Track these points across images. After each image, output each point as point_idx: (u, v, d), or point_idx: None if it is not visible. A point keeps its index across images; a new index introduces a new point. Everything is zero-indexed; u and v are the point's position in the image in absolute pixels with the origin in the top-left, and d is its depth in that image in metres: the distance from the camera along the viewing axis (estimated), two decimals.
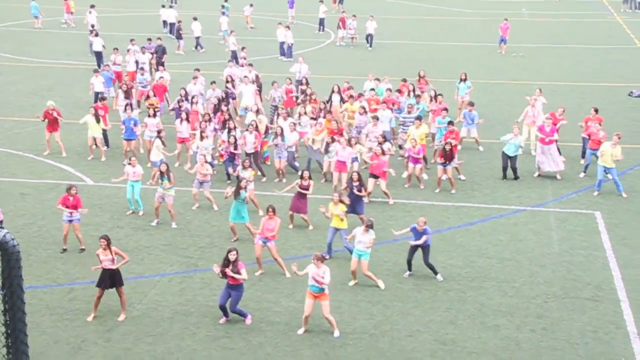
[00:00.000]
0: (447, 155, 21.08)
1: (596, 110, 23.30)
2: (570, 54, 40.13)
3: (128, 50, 32.52)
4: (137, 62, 31.65)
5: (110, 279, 14.81)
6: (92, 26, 40.37)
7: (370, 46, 41.22)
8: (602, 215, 19.81)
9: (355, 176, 18.93)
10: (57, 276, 16.79)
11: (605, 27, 48.16)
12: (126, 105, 25.03)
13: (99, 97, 26.87)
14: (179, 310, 15.30)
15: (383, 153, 20.63)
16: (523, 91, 30.93)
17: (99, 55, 35.85)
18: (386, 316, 15.10)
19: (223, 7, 45.76)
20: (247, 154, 21.81)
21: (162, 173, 19.07)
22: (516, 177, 22.23)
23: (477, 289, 16.15)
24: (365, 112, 23.99)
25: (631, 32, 45.89)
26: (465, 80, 27.41)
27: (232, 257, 14.46)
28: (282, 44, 38.04)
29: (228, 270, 14.38)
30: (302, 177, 18.99)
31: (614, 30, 46.84)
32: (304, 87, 26.46)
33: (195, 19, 40.68)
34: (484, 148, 24.94)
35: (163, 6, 46.49)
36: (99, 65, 35.38)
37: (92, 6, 42.92)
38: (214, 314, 15.12)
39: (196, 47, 40.33)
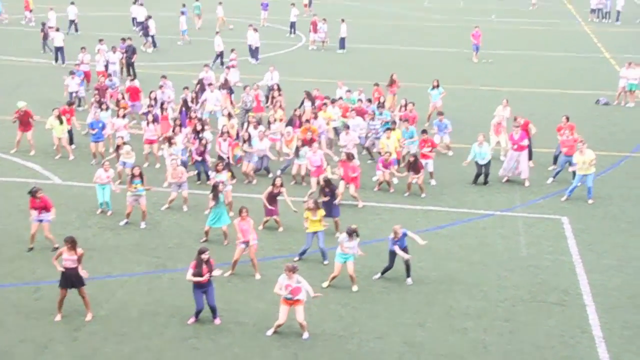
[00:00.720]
0: (412, 166, 21.21)
1: (567, 118, 23.60)
2: (538, 62, 40.60)
3: (98, 50, 32.25)
4: (107, 61, 31.42)
5: (70, 280, 14.61)
6: (43, 24, 39.71)
7: (343, 49, 41.32)
8: (569, 221, 20.05)
9: (323, 183, 18.99)
10: (23, 274, 16.58)
11: (573, 36, 48.83)
12: (100, 103, 24.83)
13: (69, 100, 26.61)
14: (147, 310, 15.19)
15: (349, 159, 20.72)
16: (493, 97, 31.25)
17: (60, 50, 35.71)
18: (355, 318, 15.13)
19: (184, 6, 45.48)
20: (220, 158, 21.74)
21: (134, 176, 18.94)
22: (486, 182, 22.42)
23: (446, 292, 16.25)
24: (316, 116, 24.09)
25: (598, 41, 46.59)
26: (437, 86, 27.63)
27: (205, 257, 14.40)
28: (250, 46, 37.91)
29: (208, 273, 14.34)
30: (274, 185, 18.96)
31: (582, 39, 47.52)
32: (275, 92, 26.44)
33: (149, 17, 40.48)
34: (454, 153, 25.11)
35: (134, 2, 46.20)
36: (61, 60, 35.35)
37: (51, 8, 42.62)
38: (182, 314, 15.03)
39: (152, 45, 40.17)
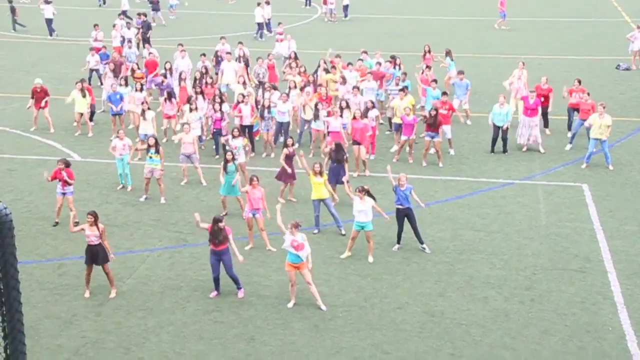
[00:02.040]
0: (432, 120, 21.00)
1: (579, 82, 23.36)
2: (557, 28, 40.13)
3: (114, 26, 32.28)
4: (123, 37, 31.43)
5: (94, 255, 14.75)
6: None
7: (346, 17, 41.12)
8: (589, 188, 19.93)
9: (333, 145, 18.85)
10: (46, 251, 16.77)
11: (592, 0, 48.14)
12: (120, 79, 24.88)
13: (89, 76, 26.74)
14: (169, 285, 15.33)
15: (363, 116, 20.61)
16: (510, 65, 30.96)
17: (49, 22, 36.13)
18: (375, 289, 15.18)
19: None
20: (242, 126, 21.68)
21: (149, 146, 18.99)
22: (505, 150, 22.30)
23: (466, 262, 16.25)
24: (345, 81, 24.00)
25: (618, 4, 45.89)
26: (449, 54, 27.38)
27: (221, 225, 14.48)
28: (259, 24, 37.56)
29: (230, 240, 14.49)
30: (286, 145, 18.93)
31: (601, 3, 46.82)
32: (292, 61, 26.32)
33: None
34: (472, 122, 24.98)
35: None
36: (50, 33, 35.73)
37: None
38: (203, 287, 15.16)
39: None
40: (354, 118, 20.73)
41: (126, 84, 24.42)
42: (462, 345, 13.32)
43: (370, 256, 16.29)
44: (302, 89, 23.35)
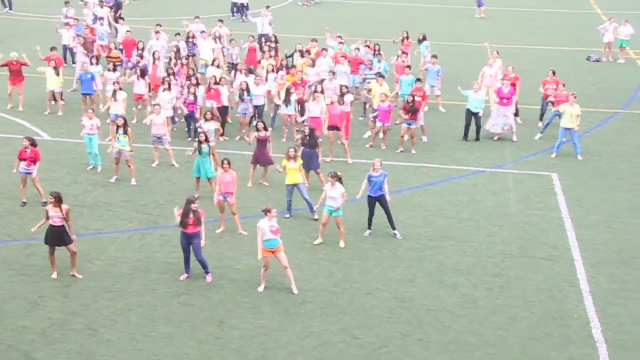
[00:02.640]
0: (411, 108, 21.05)
1: (554, 73, 23.54)
2: (530, 18, 40.38)
3: (86, 4, 31.85)
4: (95, 16, 31.02)
5: (58, 237, 14.57)
6: None
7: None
8: (558, 177, 20.14)
9: (306, 130, 18.82)
10: (13, 231, 16.57)
11: None
12: (91, 58, 24.53)
13: (63, 54, 26.30)
14: (139, 267, 15.23)
15: (340, 103, 20.62)
16: (484, 53, 31.08)
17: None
18: (346, 274, 15.23)
19: None
20: (219, 108, 21.52)
21: (118, 127, 18.80)
22: (478, 138, 22.41)
23: (436, 249, 16.35)
24: (314, 64, 23.98)
25: None
26: (424, 40, 27.43)
27: (194, 207, 14.39)
28: (234, 4, 37.28)
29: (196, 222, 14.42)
30: (257, 130, 18.86)
31: None
32: (271, 44, 26.17)
33: None
34: (445, 109, 25.08)
35: None
36: (4, 4, 35.55)
37: None
38: (174, 270, 15.09)
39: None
40: (331, 103, 20.70)
41: (97, 63, 24.11)
42: (431, 331, 13.42)
43: (342, 242, 16.32)
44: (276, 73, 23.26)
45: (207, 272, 14.87)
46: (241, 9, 37.43)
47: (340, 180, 16.10)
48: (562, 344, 13.15)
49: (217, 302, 14.16)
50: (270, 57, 24.84)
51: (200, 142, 17.87)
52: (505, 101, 22.29)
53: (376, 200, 16.55)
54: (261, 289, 14.52)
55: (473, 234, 17.03)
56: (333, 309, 14.03)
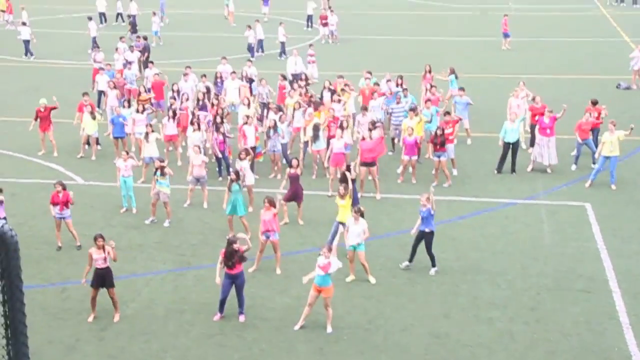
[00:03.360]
0: (438, 139, 21.03)
1: (594, 103, 23.42)
2: (557, 47, 40.27)
3: (117, 49, 32.45)
4: (125, 60, 31.57)
5: (101, 279, 14.72)
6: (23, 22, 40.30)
7: (309, 27, 42.01)
8: (592, 207, 19.92)
9: (344, 170, 18.81)
10: (50, 276, 16.75)
11: (592, 20, 48.36)
12: (122, 102, 24.94)
13: (97, 99, 26.90)
14: (173, 308, 15.29)
15: (370, 136, 20.70)
16: (512, 85, 31.01)
17: (26, 43, 36.98)
18: (380, 311, 15.14)
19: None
20: (245, 149, 21.71)
21: (157, 169, 19.01)
22: (513, 170, 22.22)
23: (470, 282, 16.21)
24: (340, 100, 24.19)
25: (617, 25, 46.09)
26: (452, 73, 27.47)
27: (236, 247, 14.46)
28: (249, 44, 37.69)
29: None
30: (290, 166, 18.94)
31: (601, 24, 47.03)
32: (302, 82, 26.43)
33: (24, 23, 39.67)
34: (473, 141, 25.01)
35: None
36: (25, 53, 36.48)
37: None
38: (207, 311, 15.12)
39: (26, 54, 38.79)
40: (363, 139, 20.77)
41: (129, 106, 24.48)
42: None
43: (371, 277, 16.24)
44: (304, 110, 23.43)
45: (240, 312, 14.87)
46: (255, 46, 37.90)
47: (362, 215, 16.09)
48: None
49: (251, 341, 14.14)
50: (300, 94, 25.04)
51: (231, 180, 18.00)
52: (547, 131, 22.12)
53: (423, 235, 16.44)
54: (297, 327, 14.46)
55: (507, 266, 16.86)
56: (368, 346, 13.94)
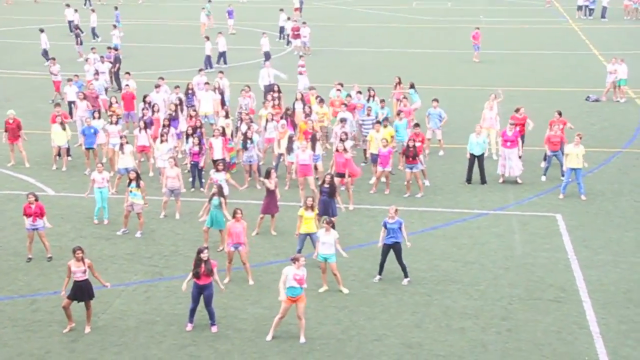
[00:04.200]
0: (410, 152, 21.17)
1: (559, 113, 23.69)
2: (528, 60, 40.74)
3: (87, 60, 32.27)
4: (96, 71, 31.39)
5: (80, 291, 14.59)
6: None
7: (280, 39, 42.82)
8: (563, 218, 20.13)
9: (327, 179, 18.80)
10: (19, 287, 16.54)
11: (561, 33, 49.02)
12: (93, 113, 24.76)
13: (69, 110, 26.66)
14: (144, 320, 15.16)
15: (345, 150, 20.78)
16: (483, 97, 31.32)
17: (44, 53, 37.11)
18: (353, 321, 15.14)
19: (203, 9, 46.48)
20: (214, 160, 21.64)
21: (130, 180, 18.88)
22: (484, 182, 22.41)
23: (442, 292, 16.28)
24: (310, 113, 24.31)
25: (586, 38, 46.79)
26: (411, 87, 27.59)
27: (204, 256, 14.40)
28: (207, 56, 37.60)
29: (214, 273, 14.50)
30: (268, 177, 18.91)
31: (570, 37, 47.70)
32: (274, 93, 26.42)
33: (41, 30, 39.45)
34: (445, 153, 25.18)
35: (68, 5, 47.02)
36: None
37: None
38: (179, 322, 15.02)
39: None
40: (337, 151, 20.82)
41: (99, 117, 24.33)
42: None
43: (343, 288, 16.25)
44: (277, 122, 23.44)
45: (212, 323, 14.79)
46: (220, 57, 37.91)
47: (333, 226, 16.12)
48: None
49: (224, 352, 14.07)
50: (273, 106, 25.06)
51: (213, 194, 17.91)
52: (508, 143, 22.36)
53: (390, 247, 16.50)
54: (269, 337, 14.42)
55: (479, 276, 16.97)
56: (340, 356, 13.93)
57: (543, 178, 22.84)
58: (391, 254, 16.54)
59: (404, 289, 16.40)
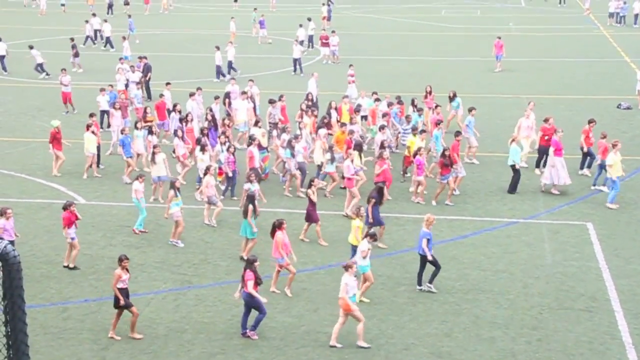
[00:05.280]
0: (448, 161, 21.12)
1: (590, 122, 23.55)
2: (558, 68, 40.41)
3: (118, 70, 32.61)
4: (127, 80, 31.74)
5: (128, 298, 14.88)
6: None
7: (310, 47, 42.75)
8: (593, 227, 19.91)
9: (378, 188, 18.77)
10: (50, 295, 16.73)
11: (592, 40, 48.56)
12: (136, 123, 24.98)
13: (100, 119, 27.03)
14: (174, 328, 15.25)
15: (383, 157, 20.81)
16: (512, 105, 31.16)
17: (1, 59, 37.33)
18: (381, 330, 15.10)
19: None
20: (252, 169, 21.67)
21: (178, 189, 18.99)
22: (514, 191, 22.23)
23: (472, 302, 16.17)
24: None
25: (617, 45, 46.29)
26: (454, 97, 27.63)
27: (257, 264, 14.71)
28: (218, 65, 37.64)
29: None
30: (312, 185, 18.89)
31: (601, 44, 47.23)
32: (309, 102, 26.60)
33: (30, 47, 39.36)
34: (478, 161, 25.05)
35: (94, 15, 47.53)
36: (4, 69, 36.78)
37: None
38: (208, 330, 15.09)
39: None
40: (381, 158, 20.78)
41: (137, 127, 24.55)
42: None
43: (362, 297, 16.05)
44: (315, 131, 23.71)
45: (253, 329, 14.83)
46: (229, 66, 37.94)
47: (372, 236, 16.07)
48: None
49: None
50: (308, 115, 25.25)
51: (253, 201, 17.93)
52: (561, 152, 22.19)
53: (425, 261, 16.41)
54: (334, 342, 14.36)
55: (508, 285, 16.83)
56: None
57: (605, 188, 22.32)
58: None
59: (433, 298, 16.32)
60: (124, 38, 41.74)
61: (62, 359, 14.21)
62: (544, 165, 23.06)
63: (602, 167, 22.15)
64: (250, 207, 17.76)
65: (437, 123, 24.24)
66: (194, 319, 15.57)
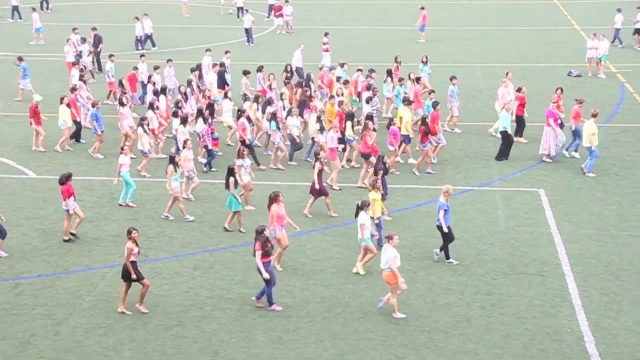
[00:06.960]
0: (426, 126, 21.25)
1: (561, 90, 24.12)
2: (509, 37, 40.73)
3: (68, 40, 31.88)
4: (79, 52, 31.18)
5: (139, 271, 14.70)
6: None
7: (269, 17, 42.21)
8: (545, 193, 20.24)
9: (385, 158, 18.83)
10: (2, 271, 16.45)
11: (542, 9, 49.00)
12: (121, 98, 24.29)
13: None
14: (129, 301, 15.10)
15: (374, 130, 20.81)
16: (466, 73, 31.34)
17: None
18: (338, 299, 15.20)
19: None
20: (243, 142, 21.30)
21: (177, 164, 18.65)
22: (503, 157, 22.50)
23: (427, 269, 16.37)
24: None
25: (568, 13, 46.81)
26: (426, 62, 27.91)
27: (267, 233, 14.65)
28: (137, 36, 37.03)
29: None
30: (318, 160, 18.70)
31: (552, 12, 47.70)
32: (288, 74, 26.48)
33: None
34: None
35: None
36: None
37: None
38: (164, 303, 15.03)
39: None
40: (372, 130, 20.75)
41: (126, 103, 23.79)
42: (426, 352, 13.41)
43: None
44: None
45: (272, 302, 14.81)
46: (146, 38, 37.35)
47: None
48: (556, 359, 13.15)
49: (210, 332, 14.09)
50: (288, 88, 25.20)
51: (233, 174, 17.78)
52: (559, 121, 22.44)
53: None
54: (399, 315, 14.40)
55: (463, 252, 17.06)
56: (327, 334, 13.99)
57: (574, 155, 22.65)
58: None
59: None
60: (34, 9, 39.71)
61: (15, 335, 14.02)
62: (520, 136, 23.43)
63: (576, 133, 22.41)
64: (232, 179, 17.63)
65: (430, 92, 24.11)
66: (150, 292, 15.40)
